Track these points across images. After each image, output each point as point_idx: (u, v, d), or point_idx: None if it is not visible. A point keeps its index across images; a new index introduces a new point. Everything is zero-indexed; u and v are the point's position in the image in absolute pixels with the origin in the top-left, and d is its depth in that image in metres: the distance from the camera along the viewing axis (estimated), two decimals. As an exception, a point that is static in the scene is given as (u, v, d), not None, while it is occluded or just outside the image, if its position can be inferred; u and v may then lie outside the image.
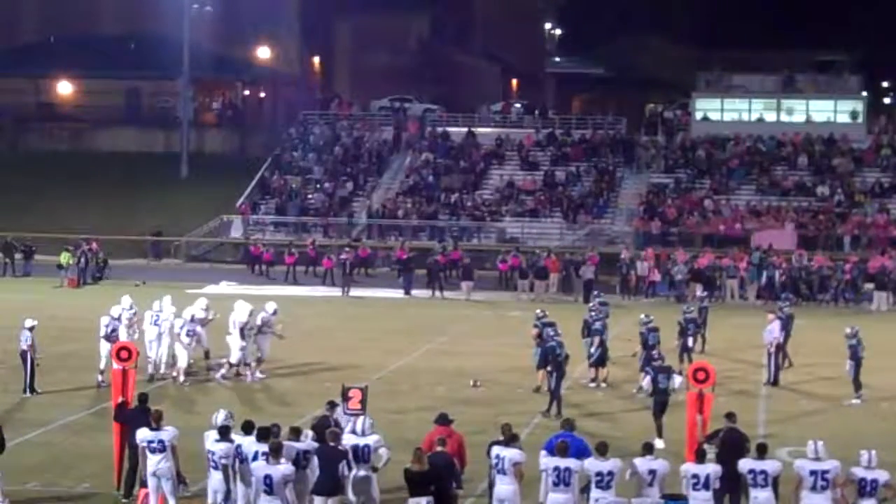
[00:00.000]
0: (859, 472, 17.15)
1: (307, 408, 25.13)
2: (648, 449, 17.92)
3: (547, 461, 17.54)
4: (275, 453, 17.36)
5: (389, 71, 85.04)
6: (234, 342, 29.77)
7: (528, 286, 47.71)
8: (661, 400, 24.02)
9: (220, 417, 18.29)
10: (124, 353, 20.69)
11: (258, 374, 29.86)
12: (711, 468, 17.44)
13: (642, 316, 29.97)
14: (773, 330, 30.71)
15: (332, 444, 17.77)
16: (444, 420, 19.08)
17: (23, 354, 28.05)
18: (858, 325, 29.74)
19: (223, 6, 79.20)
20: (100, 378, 28.49)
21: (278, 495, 17.08)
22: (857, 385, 28.64)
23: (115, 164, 66.72)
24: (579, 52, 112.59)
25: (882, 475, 17.18)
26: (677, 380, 24.08)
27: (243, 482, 17.88)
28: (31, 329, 28.11)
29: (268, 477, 17.12)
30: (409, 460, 17.64)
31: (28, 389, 27.99)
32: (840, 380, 29.72)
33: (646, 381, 24.93)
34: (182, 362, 29.35)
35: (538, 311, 30.38)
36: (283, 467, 17.15)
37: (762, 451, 17.76)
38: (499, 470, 17.71)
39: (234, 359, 29.83)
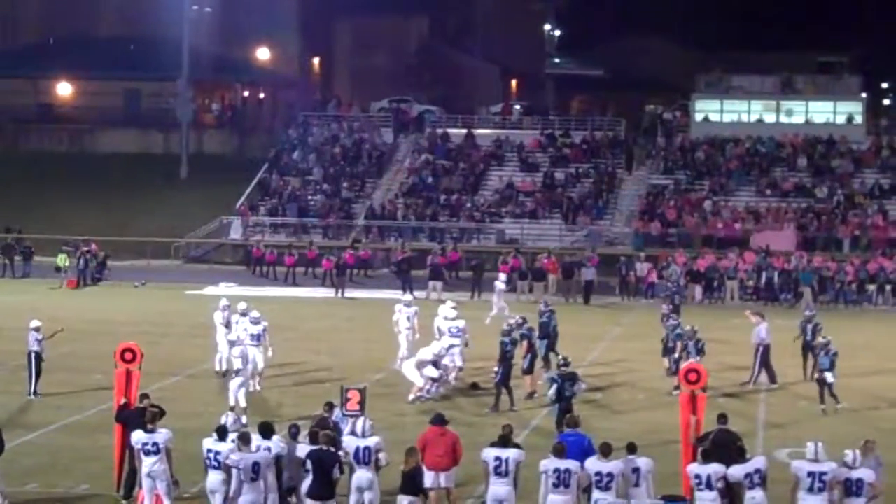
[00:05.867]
0: (844, 472, 17.25)
1: (306, 409, 25.13)
2: (632, 449, 18.00)
3: (547, 463, 17.57)
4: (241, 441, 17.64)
5: (389, 72, 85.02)
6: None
7: (527, 287, 47.68)
8: (564, 408, 23.47)
9: (228, 421, 18.43)
10: (128, 355, 20.62)
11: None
12: (712, 468, 17.49)
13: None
14: (760, 331, 30.80)
15: (325, 447, 17.75)
16: (439, 420, 19.19)
17: (29, 356, 27.93)
18: (859, 326, 29.71)
19: (223, 7, 79.16)
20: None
21: (262, 478, 17.40)
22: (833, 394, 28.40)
23: (115, 165, 66.65)
24: (579, 53, 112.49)
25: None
26: (582, 386, 24.61)
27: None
28: (36, 329, 28.04)
29: (256, 464, 17.40)
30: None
31: (33, 392, 27.85)
32: (841, 380, 29.67)
33: (551, 390, 24.28)
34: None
35: (518, 319, 29.90)
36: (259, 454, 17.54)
37: (743, 454, 18.04)
38: (501, 472, 17.72)
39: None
